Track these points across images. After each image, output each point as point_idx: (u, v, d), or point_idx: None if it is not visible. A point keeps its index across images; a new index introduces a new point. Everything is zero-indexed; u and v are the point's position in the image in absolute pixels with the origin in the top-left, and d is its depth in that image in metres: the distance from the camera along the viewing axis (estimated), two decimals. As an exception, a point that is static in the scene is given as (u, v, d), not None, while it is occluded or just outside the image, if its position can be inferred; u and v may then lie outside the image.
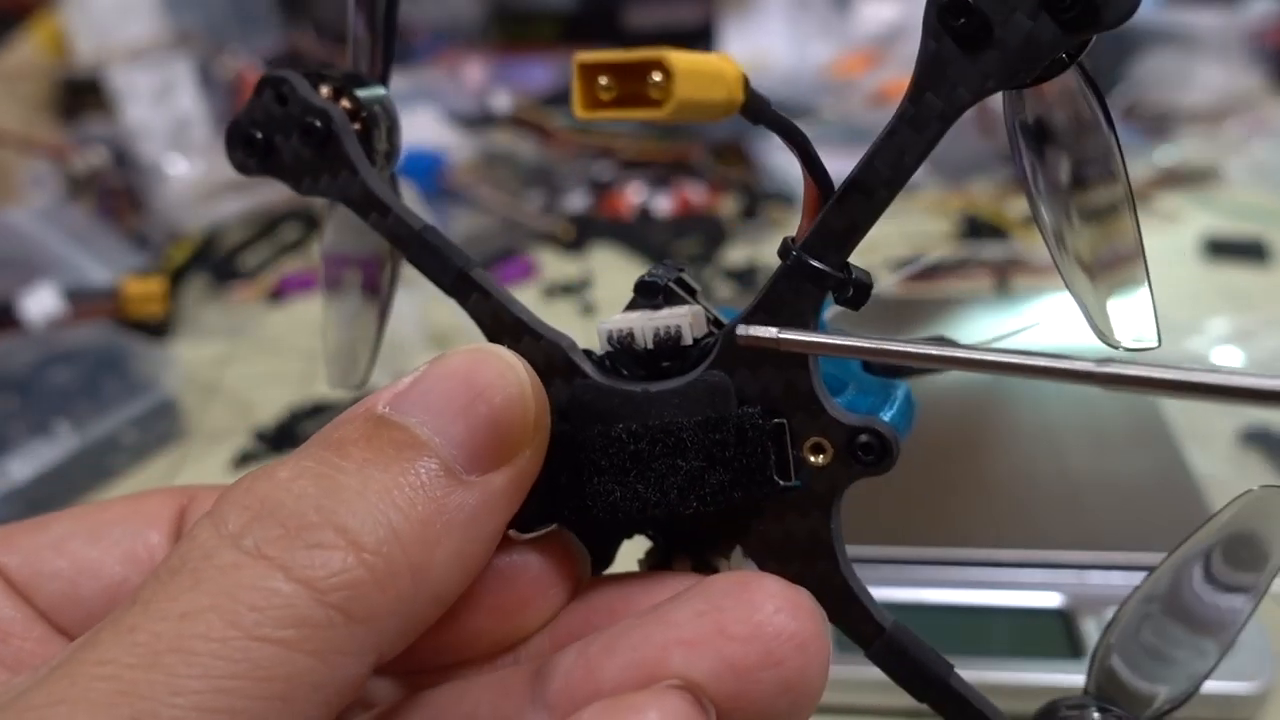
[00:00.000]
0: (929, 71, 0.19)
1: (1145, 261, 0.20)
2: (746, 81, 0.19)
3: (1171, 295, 0.71)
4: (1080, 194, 0.20)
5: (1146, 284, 0.20)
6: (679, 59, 0.18)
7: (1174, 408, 0.53)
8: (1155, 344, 0.20)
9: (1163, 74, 1.02)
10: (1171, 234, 0.81)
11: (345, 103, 0.24)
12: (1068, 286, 0.21)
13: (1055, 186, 0.21)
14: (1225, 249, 0.77)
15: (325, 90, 0.24)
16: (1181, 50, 1.04)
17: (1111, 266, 0.20)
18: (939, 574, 0.42)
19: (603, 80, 0.18)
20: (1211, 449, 0.54)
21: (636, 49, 0.18)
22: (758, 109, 0.20)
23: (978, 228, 0.82)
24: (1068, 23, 0.17)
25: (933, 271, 0.75)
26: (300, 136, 0.23)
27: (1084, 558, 0.42)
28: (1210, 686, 0.38)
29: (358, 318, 0.27)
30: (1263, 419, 0.56)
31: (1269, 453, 0.54)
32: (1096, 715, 0.23)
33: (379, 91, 0.25)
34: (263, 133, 0.23)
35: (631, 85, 0.18)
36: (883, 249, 0.78)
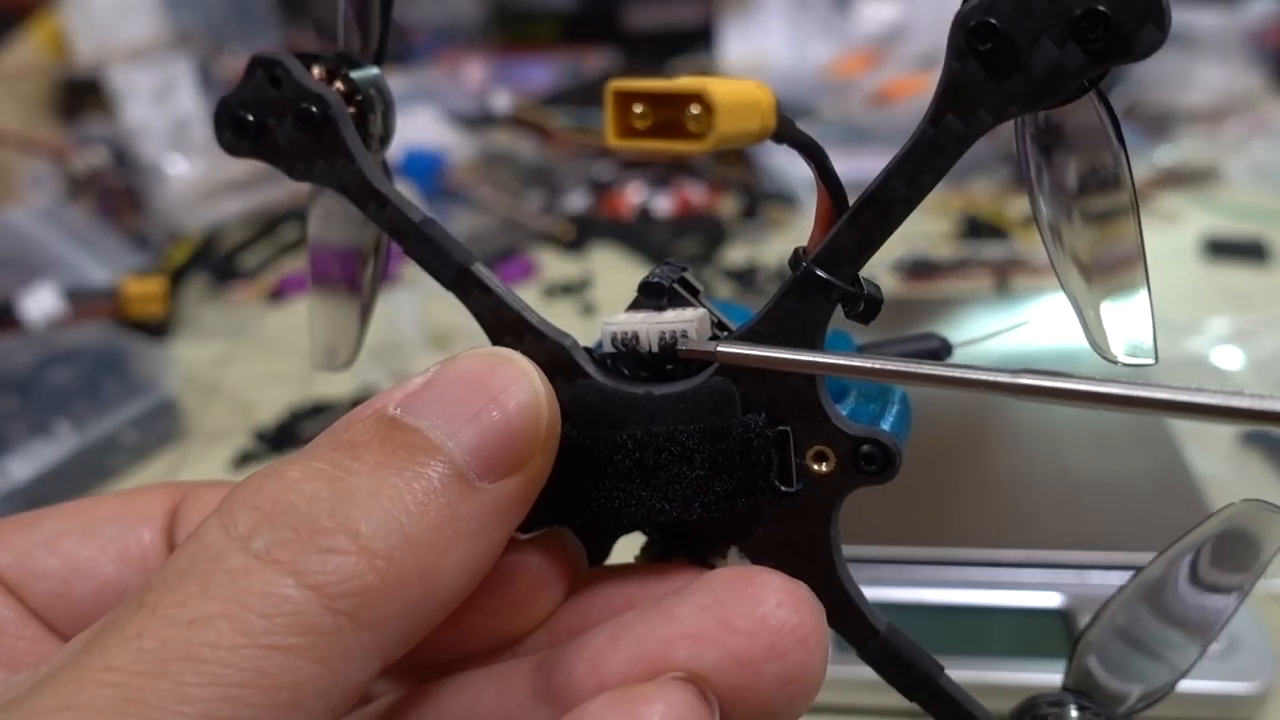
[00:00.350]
0: (951, 93, 0.18)
1: (1147, 272, 0.20)
2: (778, 107, 0.19)
3: (1171, 295, 0.71)
4: (1084, 198, 0.20)
5: (1147, 294, 0.20)
6: (720, 91, 0.17)
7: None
8: (1153, 361, 0.20)
9: (1163, 74, 1.02)
10: (1171, 234, 0.81)
11: (339, 85, 0.23)
12: (1062, 286, 0.21)
13: (1059, 188, 0.21)
14: (1225, 249, 0.77)
15: (318, 71, 0.23)
16: (1181, 50, 1.04)
17: (1110, 269, 0.20)
18: (939, 574, 0.42)
19: (638, 109, 0.18)
20: (1211, 449, 0.54)
21: (674, 79, 0.18)
22: (784, 131, 0.19)
23: (978, 228, 0.82)
24: (1096, 53, 0.17)
25: (932, 271, 0.76)
26: (295, 121, 0.22)
27: (1084, 558, 0.42)
28: (1210, 686, 0.38)
29: (344, 304, 0.27)
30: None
31: (1269, 453, 0.54)
32: (1074, 711, 0.23)
33: (373, 72, 0.24)
34: (254, 115, 0.23)
35: (668, 114, 0.18)
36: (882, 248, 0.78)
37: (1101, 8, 0.17)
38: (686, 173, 0.95)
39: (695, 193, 0.91)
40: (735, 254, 0.82)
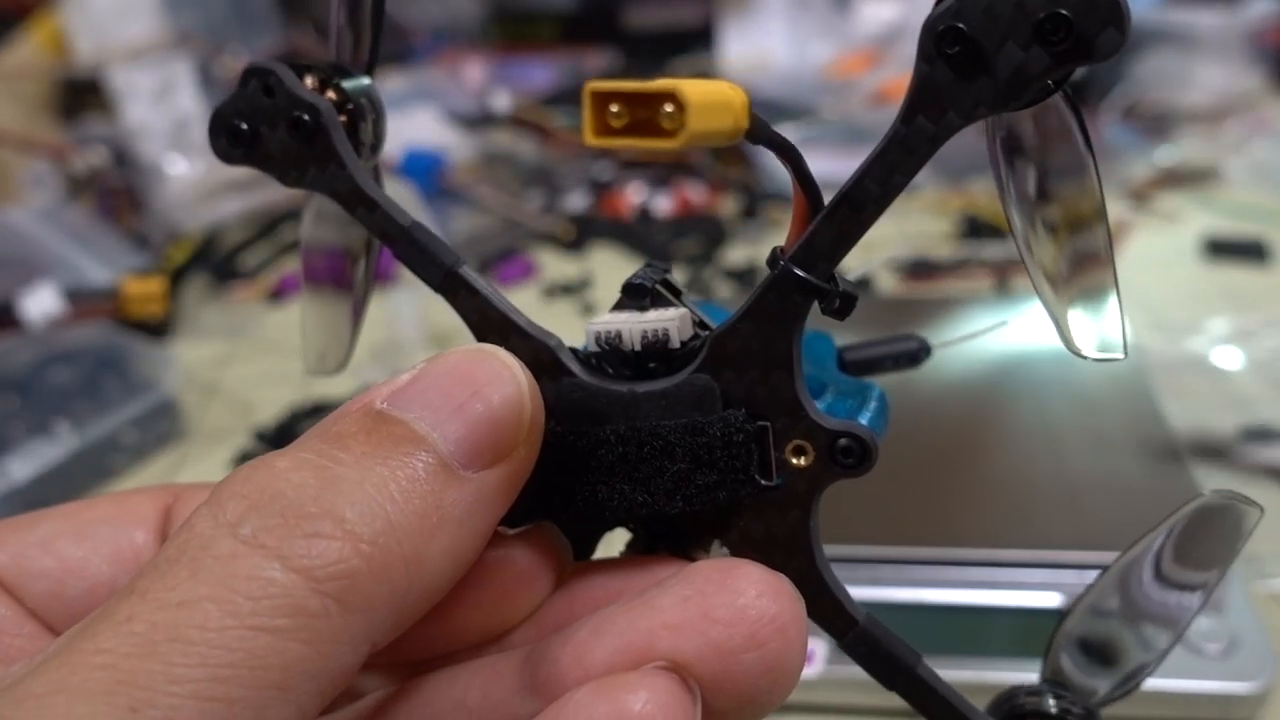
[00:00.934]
0: (921, 95, 0.19)
1: (1115, 274, 0.21)
2: (750, 107, 0.20)
3: (1171, 295, 0.71)
4: (1050, 206, 0.21)
5: (1115, 296, 0.21)
6: (692, 90, 0.18)
7: (1173, 407, 0.53)
8: (1121, 356, 0.21)
9: (1163, 74, 1.02)
10: (1171, 234, 0.81)
11: (331, 94, 0.24)
12: (1036, 293, 0.21)
13: (1028, 197, 0.21)
14: (1225, 249, 0.77)
15: (310, 81, 0.24)
16: (1181, 50, 1.04)
17: (1076, 278, 0.21)
18: (939, 574, 0.42)
19: (614, 108, 0.19)
20: (1211, 449, 0.54)
21: (648, 80, 0.18)
22: (758, 131, 0.20)
23: (978, 228, 0.82)
24: (1059, 54, 0.18)
25: (932, 271, 0.76)
26: (287, 129, 0.23)
27: (1084, 558, 0.42)
28: (1210, 686, 0.38)
29: (336, 305, 0.27)
30: (1263, 418, 0.56)
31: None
32: (1051, 701, 0.24)
33: (364, 82, 0.25)
34: (248, 123, 0.23)
35: (643, 113, 0.19)
36: (883, 249, 0.79)
37: (1064, 11, 0.17)
38: (686, 173, 0.95)
39: (695, 193, 0.91)
40: (735, 254, 0.82)
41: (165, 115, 0.92)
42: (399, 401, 0.20)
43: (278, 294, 0.81)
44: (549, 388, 0.22)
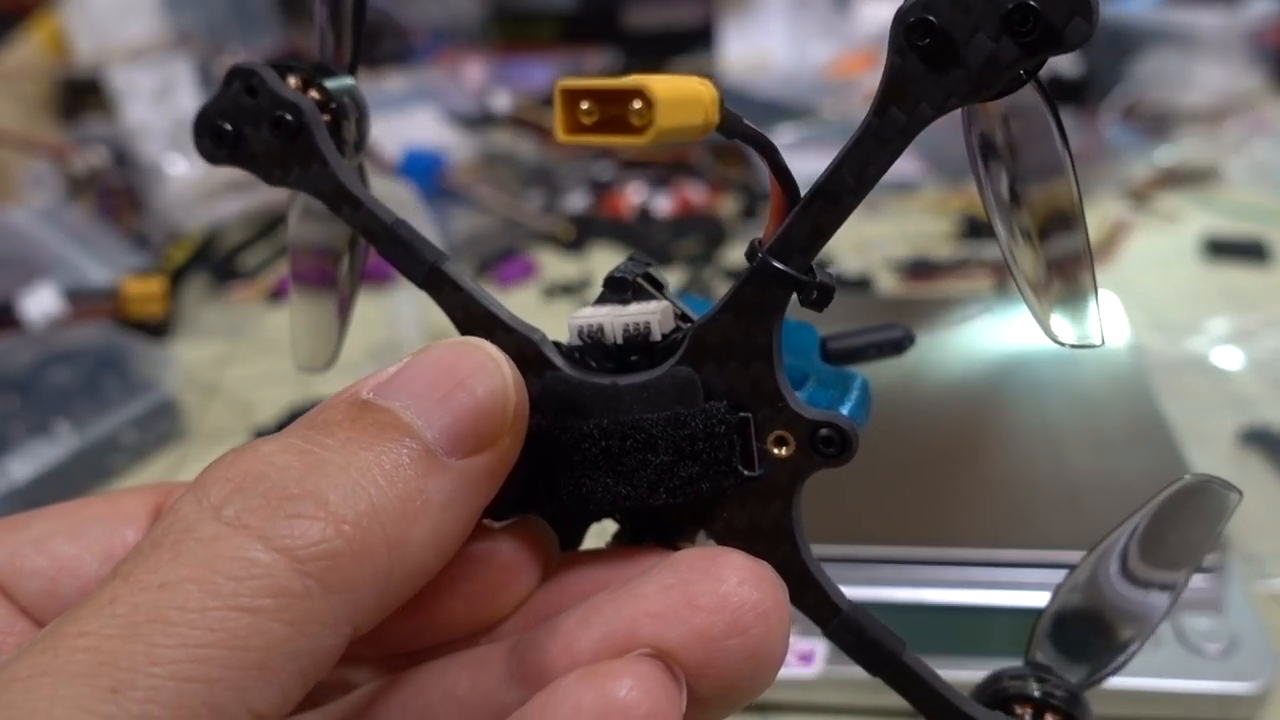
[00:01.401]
0: (894, 87, 0.19)
1: (1093, 271, 0.21)
2: (721, 102, 0.20)
3: (1171, 295, 0.71)
4: (1029, 207, 0.21)
5: (1093, 294, 0.21)
6: (660, 87, 0.18)
7: (1173, 407, 0.53)
8: (1099, 343, 0.21)
9: (1163, 74, 1.02)
10: (1171, 234, 0.81)
11: (314, 94, 0.24)
12: (1016, 287, 0.22)
13: (1005, 199, 0.21)
14: (1225, 249, 0.77)
15: (293, 81, 0.24)
16: (1181, 50, 1.04)
17: (1057, 282, 0.21)
18: (939, 574, 0.42)
19: (584, 105, 0.19)
20: (1211, 449, 0.54)
21: (618, 76, 0.19)
22: (731, 126, 0.20)
23: (978, 228, 0.82)
24: (1028, 45, 0.18)
25: (932, 271, 0.76)
26: (270, 129, 0.23)
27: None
28: (1210, 686, 0.38)
29: (324, 303, 0.27)
30: (1263, 418, 0.56)
31: (1268, 452, 0.54)
32: (1035, 683, 0.24)
33: (347, 82, 0.25)
34: (232, 124, 0.24)
35: (613, 110, 0.19)
36: (883, 248, 0.79)
37: (1032, 2, 0.18)
38: (686, 173, 0.95)
39: (695, 193, 0.91)
40: (735, 254, 0.82)
41: (165, 115, 0.92)
42: (385, 391, 0.20)
43: (277, 294, 0.81)
44: (533, 382, 0.22)
